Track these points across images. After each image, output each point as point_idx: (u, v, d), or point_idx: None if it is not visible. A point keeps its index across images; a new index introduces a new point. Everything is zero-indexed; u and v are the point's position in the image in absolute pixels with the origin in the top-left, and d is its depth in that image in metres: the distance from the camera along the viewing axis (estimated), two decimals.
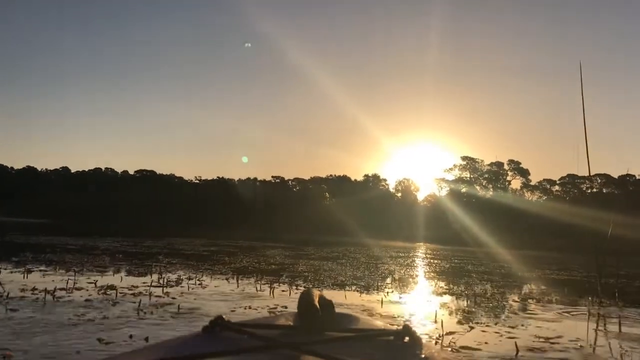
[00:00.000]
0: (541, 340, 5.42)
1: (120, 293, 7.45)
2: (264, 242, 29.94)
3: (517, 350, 4.70)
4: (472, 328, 6.01)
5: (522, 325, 6.44)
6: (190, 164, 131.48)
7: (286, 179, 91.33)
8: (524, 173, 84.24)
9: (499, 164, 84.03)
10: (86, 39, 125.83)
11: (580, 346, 5.25)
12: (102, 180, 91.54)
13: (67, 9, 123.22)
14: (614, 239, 10.43)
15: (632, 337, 6.02)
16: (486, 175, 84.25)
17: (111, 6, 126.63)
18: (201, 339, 1.36)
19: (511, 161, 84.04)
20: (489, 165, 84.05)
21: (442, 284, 11.70)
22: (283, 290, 8.73)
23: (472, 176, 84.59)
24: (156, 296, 7.36)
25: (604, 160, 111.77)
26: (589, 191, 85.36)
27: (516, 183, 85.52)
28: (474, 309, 7.78)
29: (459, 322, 6.44)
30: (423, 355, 1.27)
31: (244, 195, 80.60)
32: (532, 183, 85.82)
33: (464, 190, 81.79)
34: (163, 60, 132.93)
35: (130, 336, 4.65)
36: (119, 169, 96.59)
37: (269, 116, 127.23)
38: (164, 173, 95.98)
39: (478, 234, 54.09)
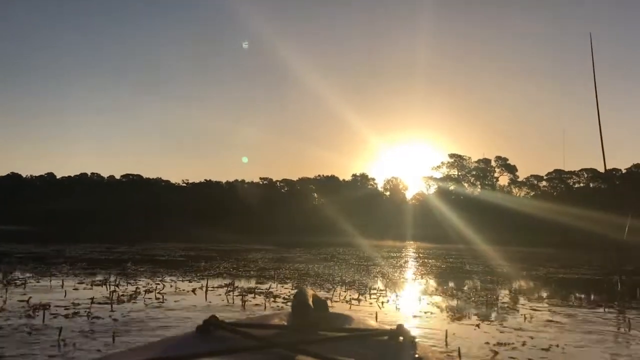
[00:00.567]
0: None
1: (52, 314, 5.94)
2: (248, 244, 28.34)
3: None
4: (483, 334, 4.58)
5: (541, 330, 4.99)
6: (177, 167, 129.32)
7: (274, 180, 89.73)
8: (512, 169, 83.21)
9: (487, 161, 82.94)
10: (77, 41, 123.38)
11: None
12: (88, 186, 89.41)
13: (52, 10, 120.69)
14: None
15: None
16: (474, 173, 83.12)
17: (102, 9, 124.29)
18: (195, 339, 1.34)
19: (498, 157, 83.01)
20: (476, 162, 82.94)
21: (438, 286, 10.23)
22: (257, 304, 7.23)
23: (459, 173, 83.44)
24: (95, 317, 5.84)
25: (590, 155, 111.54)
26: (576, 186, 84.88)
27: (504, 179, 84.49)
28: (483, 314, 6.32)
29: (477, 347, 4.98)
30: (417, 355, 1.25)
31: (232, 198, 78.95)
32: (520, 179, 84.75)
33: (452, 187, 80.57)
34: (150, 64, 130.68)
35: None
36: (105, 173, 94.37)
37: (256, 117, 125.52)
38: (151, 177, 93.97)
39: (466, 231, 53.06)
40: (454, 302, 7.93)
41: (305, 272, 12.49)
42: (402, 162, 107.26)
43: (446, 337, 5.11)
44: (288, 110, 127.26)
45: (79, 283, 9.01)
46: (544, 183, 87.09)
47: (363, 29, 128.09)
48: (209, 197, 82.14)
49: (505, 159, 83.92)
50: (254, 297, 7.91)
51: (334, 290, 8.95)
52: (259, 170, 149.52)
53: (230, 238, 38.03)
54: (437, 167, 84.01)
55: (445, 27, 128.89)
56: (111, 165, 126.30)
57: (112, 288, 8.44)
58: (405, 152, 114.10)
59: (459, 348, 4.61)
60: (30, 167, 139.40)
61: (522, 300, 8.57)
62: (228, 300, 7.48)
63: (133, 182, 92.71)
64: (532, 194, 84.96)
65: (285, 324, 1.58)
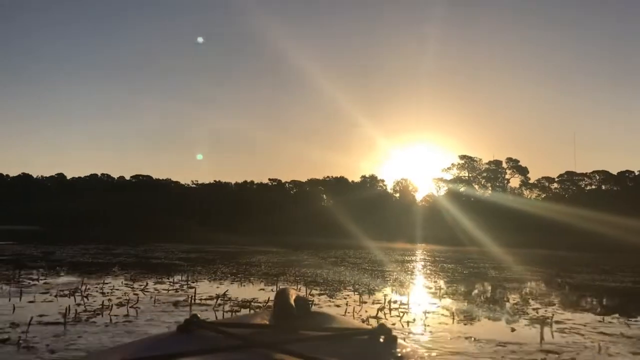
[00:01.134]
0: None
1: None
2: (255, 246, 26.73)
3: None
4: None
5: None
6: (187, 168, 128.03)
7: (283, 181, 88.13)
8: (523, 171, 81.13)
9: (498, 163, 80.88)
10: (90, 42, 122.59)
11: None
12: (97, 186, 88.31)
13: (56, 12, 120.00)
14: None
15: None
16: (485, 174, 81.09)
17: (109, 10, 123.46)
18: (176, 338, 1.32)
19: (510, 159, 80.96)
20: (487, 163, 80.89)
21: (470, 299, 8.56)
22: None
23: (470, 175, 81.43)
24: (26, 348, 4.26)
25: (601, 157, 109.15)
26: (587, 188, 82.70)
27: (515, 181, 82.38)
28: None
29: None
30: (399, 354, 1.24)
31: (241, 199, 77.51)
32: (531, 181, 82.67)
33: (462, 189, 78.62)
34: (159, 65, 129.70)
35: None
36: (115, 174, 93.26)
37: (266, 118, 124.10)
38: (161, 178, 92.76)
39: (478, 233, 51.50)
40: (500, 328, 6.29)
41: (312, 279, 10.87)
42: (411, 164, 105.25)
43: None
44: (297, 112, 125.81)
45: (42, 293, 7.45)
46: (555, 185, 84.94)
47: (372, 31, 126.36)
48: (218, 198, 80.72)
49: (517, 161, 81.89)
50: (248, 313, 6.27)
51: (346, 303, 7.33)
52: (268, 171, 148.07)
53: (238, 239, 36.45)
54: (448, 168, 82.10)
55: (455, 29, 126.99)
56: (121, 166, 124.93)
57: (79, 300, 6.88)
58: (415, 153, 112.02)
59: None
60: (41, 168, 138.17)
61: (584, 316, 6.89)
62: (216, 317, 5.88)
63: (143, 182, 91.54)
64: (543, 196, 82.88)
65: (267, 323, 1.53)
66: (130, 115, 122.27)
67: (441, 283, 10.96)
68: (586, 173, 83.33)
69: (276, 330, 1.43)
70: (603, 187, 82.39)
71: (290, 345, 1.21)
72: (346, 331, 1.43)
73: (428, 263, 17.98)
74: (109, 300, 6.96)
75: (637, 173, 77.71)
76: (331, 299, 7.96)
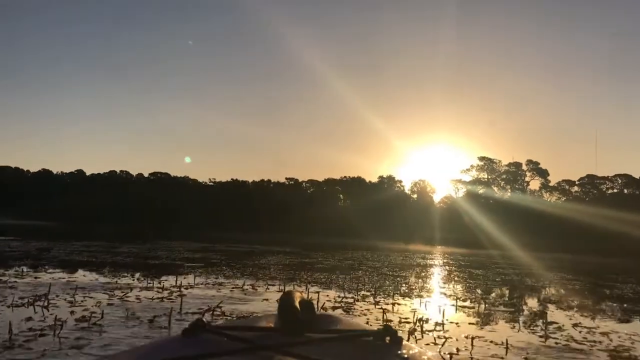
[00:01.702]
0: None
1: None
2: (268, 246, 25.28)
3: None
4: None
5: None
6: (204, 166, 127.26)
7: (300, 180, 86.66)
8: (543, 173, 78.69)
9: (517, 165, 78.56)
10: (112, 44, 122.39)
11: None
12: (116, 183, 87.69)
13: (72, 11, 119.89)
14: None
15: None
16: (504, 176, 78.78)
17: (123, 8, 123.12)
18: (181, 342, 1.29)
19: (530, 161, 78.57)
20: (507, 165, 78.60)
21: (517, 316, 6.97)
22: None
23: (489, 177, 79.19)
24: None
25: (624, 159, 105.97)
26: (609, 192, 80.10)
27: (535, 184, 79.97)
28: None
29: None
30: (405, 356, 1.23)
31: (257, 198, 76.25)
32: (551, 184, 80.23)
33: (481, 191, 76.43)
34: (177, 63, 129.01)
35: None
36: (134, 171, 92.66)
37: (284, 118, 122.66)
38: (179, 175, 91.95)
39: (498, 236, 49.73)
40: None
41: (326, 285, 9.35)
42: (429, 165, 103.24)
43: None
44: (314, 113, 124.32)
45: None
46: (575, 188, 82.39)
47: (389, 32, 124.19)
48: (235, 197, 79.49)
49: (537, 163, 79.46)
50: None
51: (367, 321, 5.81)
52: (285, 170, 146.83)
53: (251, 238, 35.06)
54: (467, 170, 79.87)
55: (472, 29, 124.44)
56: (140, 163, 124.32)
57: (37, 310, 5.47)
58: (433, 154, 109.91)
59: None
60: (61, 163, 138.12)
61: None
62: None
63: (161, 180, 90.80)
64: (563, 199, 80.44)
65: (272, 326, 1.51)
66: (149, 114, 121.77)
67: (477, 294, 9.34)
68: (608, 176, 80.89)
69: (282, 333, 1.36)
70: (625, 190, 79.88)
71: (296, 348, 1.18)
72: (351, 333, 1.39)
73: (453, 268, 16.33)
74: (72, 313, 5.52)
75: None
76: (347, 313, 6.46)
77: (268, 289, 8.50)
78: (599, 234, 55.62)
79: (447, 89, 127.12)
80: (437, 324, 5.95)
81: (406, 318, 6.27)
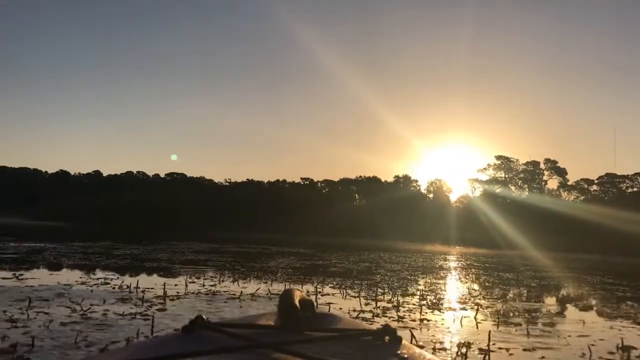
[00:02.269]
0: None
1: None
2: (281, 246, 23.86)
3: None
4: None
5: None
6: (220, 166, 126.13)
7: (315, 180, 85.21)
8: (562, 172, 76.37)
9: (535, 164, 76.31)
10: (131, 45, 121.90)
11: None
12: (133, 183, 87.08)
13: (86, 11, 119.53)
14: None
15: None
16: (522, 175, 76.61)
17: (146, 12, 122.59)
18: (181, 339, 1.25)
19: (548, 160, 76.34)
20: (524, 164, 76.38)
21: (578, 339, 5.45)
22: None
23: (506, 176, 77.04)
24: None
25: None
26: (629, 190, 77.63)
27: (553, 183, 77.66)
28: None
29: None
30: (405, 355, 1.20)
31: (273, 198, 74.99)
32: (569, 183, 77.88)
33: (498, 190, 74.32)
34: (192, 63, 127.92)
35: None
36: (150, 172, 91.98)
37: (298, 118, 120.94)
38: (195, 176, 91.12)
39: (516, 236, 48.02)
40: None
41: (339, 293, 7.89)
42: (445, 165, 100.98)
43: None
44: (330, 112, 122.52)
45: None
46: (594, 187, 79.95)
47: (405, 30, 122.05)
48: (250, 197, 78.33)
49: (555, 162, 77.17)
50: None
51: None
52: (300, 170, 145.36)
53: (264, 238, 33.69)
54: (483, 169, 77.76)
55: (489, 26, 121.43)
56: (156, 163, 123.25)
57: None
58: (449, 154, 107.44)
59: None
60: (78, 164, 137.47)
61: None
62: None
63: (177, 180, 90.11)
64: (581, 198, 78.11)
65: (272, 324, 1.45)
66: (166, 116, 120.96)
67: (517, 306, 7.80)
68: (627, 175, 78.42)
69: (281, 331, 1.32)
70: None
71: (294, 346, 1.16)
72: (351, 332, 1.35)
73: (480, 272, 14.74)
74: (3, 338, 4.12)
75: None
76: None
77: (271, 299, 7.05)
78: (619, 234, 53.58)
79: (464, 88, 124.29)
80: (480, 350, 4.47)
81: (441, 342, 4.79)
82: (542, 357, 4.44)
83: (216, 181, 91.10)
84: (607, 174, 78.53)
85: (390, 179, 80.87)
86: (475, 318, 6.31)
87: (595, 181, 78.91)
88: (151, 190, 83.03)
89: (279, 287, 8.33)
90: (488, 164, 77.45)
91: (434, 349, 4.53)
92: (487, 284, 11.09)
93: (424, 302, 7.52)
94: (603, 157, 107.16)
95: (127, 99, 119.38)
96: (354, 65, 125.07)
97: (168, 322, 5.08)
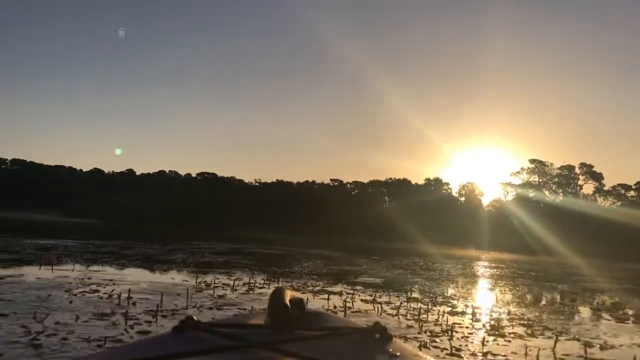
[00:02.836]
0: None
1: None
2: (309, 248, 22.42)
3: None
4: None
5: None
6: (250, 167, 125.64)
7: (344, 182, 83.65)
8: (597, 177, 73.12)
9: (570, 168, 73.20)
10: (162, 48, 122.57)
11: None
12: (165, 183, 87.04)
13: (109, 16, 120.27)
14: None
15: None
16: (556, 180, 73.59)
17: (182, 14, 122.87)
18: (171, 339, 1.24)
19: (583, 164, 73.15)
20: (559, 168, 73.35)
21: None
22: None
23: (540, 180, 74.16)
24: None
25: None
26: None
27: (588, 188, 74.39)
28: None
29: None
30: (397, 353, 1.19)
31: (302, 199, 73.73)
32: (606, 188, 74.49)
33: (531, 195, 71.50)
34: (223, 66, 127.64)
35: None
36: (182, 171, 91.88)
37: (329, 121, 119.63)
38: (225, 176, 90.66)
39: (552, 241, 45.71)
40: None
41: (373, 310, 6.36)
42: (477, 168, 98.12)
43: None
44: (360, 115, 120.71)
45: None
46: (632, 193, 76.35)
47: (436, 34, 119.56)
48: (279, 197, 77.22)
49: (591, 166, 73.88)
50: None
51: None
52: (330, 172, 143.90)
53: (291, 239, 32.27)
54: (517, 173, 75.03)
55: (523, 28, 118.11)
56: (189, 163, 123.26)
57: None
58: (481, 157, 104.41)
59: None
60: (112, 163, 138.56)
61: None
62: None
63: (208, 180, 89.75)
64: (618, 204, 74.62)
65: (263, 323, 1.40)
66: (198, 117, 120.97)
67: (597, 332, 6.14)
68: None
69: (272, 330, 1.30)
70: None
71: (285, 345, 1.15)
72: (342, 330, 1.34)
73: (529, 281, 12.99)
74: None
75: None
76: None
77: None
78: None
79: (497, 90, 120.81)
80: None
81: None
82: None
83: (246, 181, 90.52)
84: None
85: (421, 182, 78.79)
86: (553, 351, 4.73)
87: (633, 187, 75.41)
88: (183, 189, 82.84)
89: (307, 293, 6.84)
90: (522, 168, 74.70)
91: None
92: (543, 299, 9.40)
93: (480, 324, 5.94)
94: None
95: (156, 101, 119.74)
96: (384, 69, 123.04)
97: None
